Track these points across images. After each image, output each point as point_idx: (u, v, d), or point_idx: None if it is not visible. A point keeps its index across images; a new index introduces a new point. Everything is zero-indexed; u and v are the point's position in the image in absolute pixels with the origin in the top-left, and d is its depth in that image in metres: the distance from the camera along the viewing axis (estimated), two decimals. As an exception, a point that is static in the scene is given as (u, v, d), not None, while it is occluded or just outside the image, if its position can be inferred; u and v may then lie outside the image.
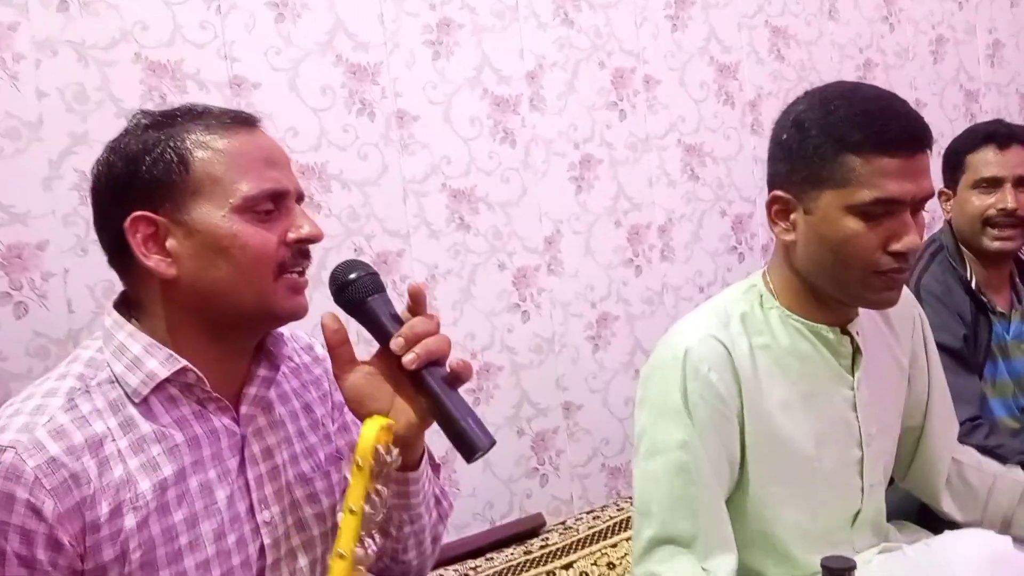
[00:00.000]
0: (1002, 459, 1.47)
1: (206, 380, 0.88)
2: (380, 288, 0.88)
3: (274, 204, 0.88)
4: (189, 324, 0.89)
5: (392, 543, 1.01)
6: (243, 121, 0.91)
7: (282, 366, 0.98)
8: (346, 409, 1.10)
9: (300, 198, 0.93)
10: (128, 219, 0.85)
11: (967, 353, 1.65)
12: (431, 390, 0.84)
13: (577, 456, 1.90)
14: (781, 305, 1.15)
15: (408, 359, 0.84)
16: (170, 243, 0.86)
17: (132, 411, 0.86)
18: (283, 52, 1.59)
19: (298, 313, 0.91)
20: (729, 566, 1.08)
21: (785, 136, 1.11)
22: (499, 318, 1.80)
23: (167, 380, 0.87)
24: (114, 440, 0.84)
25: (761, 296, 1.17)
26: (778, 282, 1.17)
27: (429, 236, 1.73)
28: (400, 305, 0.89)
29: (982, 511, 1.32)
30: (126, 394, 0.86)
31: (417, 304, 0.88)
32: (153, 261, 0.86)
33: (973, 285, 1.70)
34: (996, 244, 1.69)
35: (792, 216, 1.11)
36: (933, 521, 1.38)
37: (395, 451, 0.83)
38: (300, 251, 0.90)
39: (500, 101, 1.81)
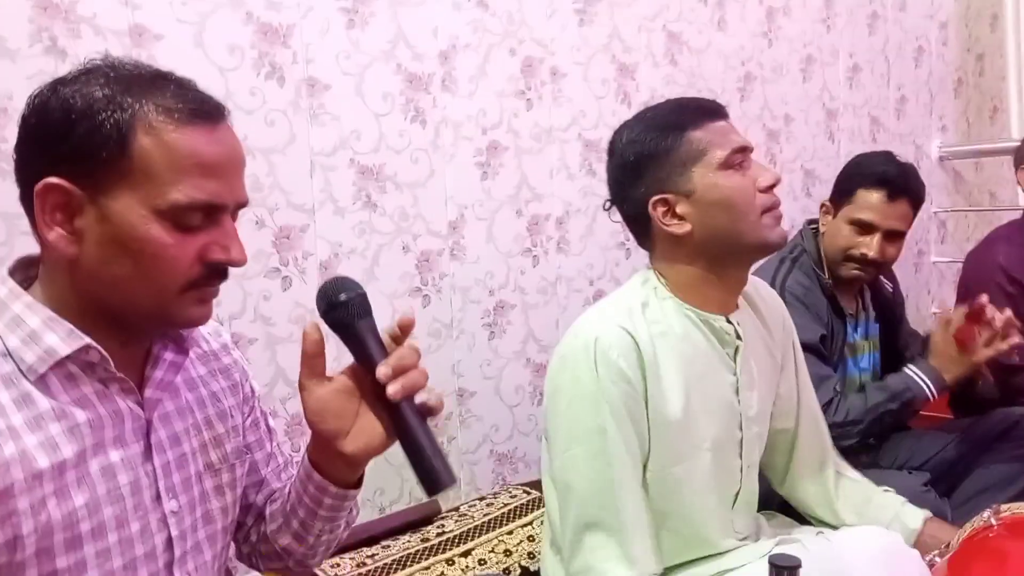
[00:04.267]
0: (857, 423, 1.65)
1: (111, 360, 0.81)
2: (369, 311, 0.87)
3: (204, 216, 0.81)
4: (92, 303, 0.82)
5: (304, 549, 1.00)
6: (206, 115, 0.81)
7: (190, 351, 0.93)
8: (258, 403, 1.06)
9: (240, 207, 0.86)
10: (41, 183, 0.76)
11: (824, 349, 1.80)
12: (406, 422, 0.84)
13: (467, 442, 1.90)
14: (675, 296, 1.25)
15: (393, 390, 0.83)
16: (79, 221, 0.78)
17: (28, 387, 0.78)
18: (188, 2, 1.46)
19: (199, 323, 0.87)
20: (652, 555, 1.13)
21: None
22: (400, 301, 1.76)
23: (67, 357, 0.79)
24: (6, 416, 0.76)
25: (655, 288, 1.27)
26: (670, 275, 1.27)
27: (335, 213, 1.66)
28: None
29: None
30: (20, 370, 0.78)
31: (405, 335, 0.88)
32: (54, 234, 0.78)
33: (830, 291, 1.86)
34: (853, 274, 1.86)
35: (679, 209, 1.21)
36: (795, 511, 1.50)
37: None
38: (217, 272, 0.83)
39: (413, 78, 1.75)
